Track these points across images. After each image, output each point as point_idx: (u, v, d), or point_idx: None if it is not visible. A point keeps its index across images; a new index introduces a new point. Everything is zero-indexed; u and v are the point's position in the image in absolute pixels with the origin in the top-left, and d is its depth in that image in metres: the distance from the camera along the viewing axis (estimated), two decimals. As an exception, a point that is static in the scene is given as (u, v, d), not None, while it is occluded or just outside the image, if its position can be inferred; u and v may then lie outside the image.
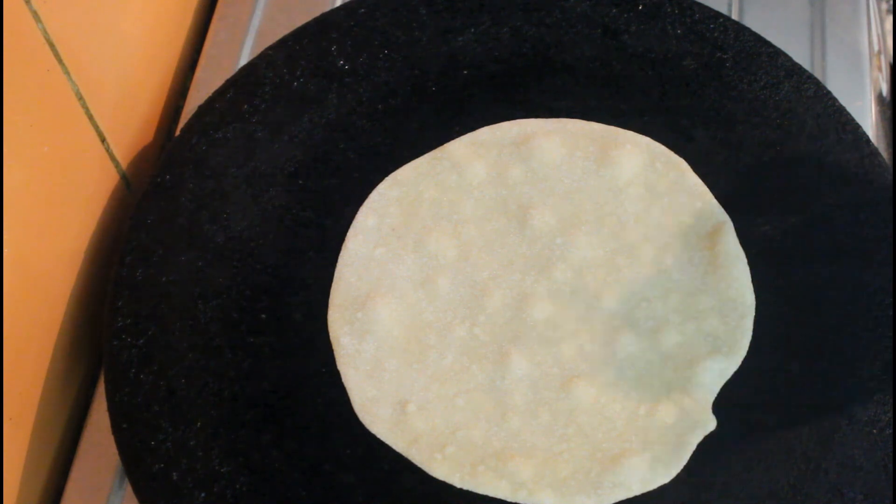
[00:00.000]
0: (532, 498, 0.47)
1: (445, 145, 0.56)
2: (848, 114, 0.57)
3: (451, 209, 0.54)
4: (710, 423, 0.49)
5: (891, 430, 0.49)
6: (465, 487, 0.48)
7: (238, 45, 0.65)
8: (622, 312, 0.51)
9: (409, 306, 0.52)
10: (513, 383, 0.50)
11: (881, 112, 0.61)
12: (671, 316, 0.51)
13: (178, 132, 0.58)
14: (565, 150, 0.56)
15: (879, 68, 0.60)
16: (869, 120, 0.60)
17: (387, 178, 0.55)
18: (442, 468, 0.48)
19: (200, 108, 0.58)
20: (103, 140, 0.57)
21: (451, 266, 0.53)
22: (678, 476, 0.48)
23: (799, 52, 0.61)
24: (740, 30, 0.60)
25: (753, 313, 0.51)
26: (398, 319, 0.52)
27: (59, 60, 0.52)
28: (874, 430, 0.50)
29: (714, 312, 0.51)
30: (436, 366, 0.51)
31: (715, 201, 0.54)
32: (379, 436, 0.49)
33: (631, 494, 0.47)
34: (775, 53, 0.59)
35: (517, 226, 0.54)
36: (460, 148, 0.56)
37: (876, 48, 0.50)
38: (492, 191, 0.55)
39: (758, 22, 0.62)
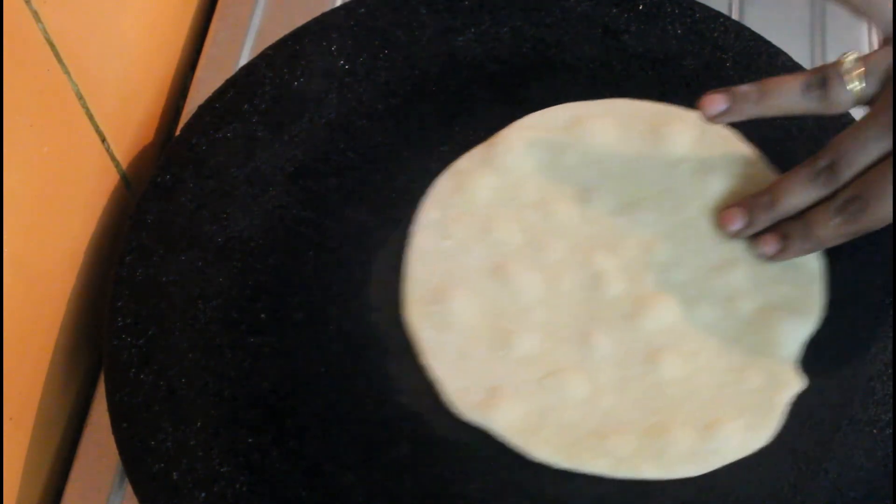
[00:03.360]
0: (634, 472, 0.48)
1: (499, 133, 0.56)
2: (848, 114, 0.57)
3: (512, 195, 0.55)
4: (799, 382, 0.49)
5: (891, 430, 0.50)
6: (565, 468, 0.48)
7: (238, 45, 0.65)
8: (695, 284, 0.52)
9: (483, 295, 0.52)
10: (598, 362, 0.50)
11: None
12: (744, 284, 0.52)
13: (178, 132, 0.58)
14: (617, 131, 0.56)
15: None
16: (869, 120, 0.60)
17: (445, 171, 0.55)
18: (542, 451, 0.48)
19: (200, 108, 0.58)
20: (103, 140, 0.57)
21: (519, 252, 0.53)
22: (678, 476, 0.48)
23: (799, 52, 0.61)
24: (740, 30, 0.60)
25: (822, 278, 0.52)
26: (475, 309, 0.52)
27: (59, 60, 0.52)
28: (874, 430, 0.50)
29: (785, 278, 0.52)
30: (520, 350, 0.51)
31: (769, 168, 0.54)
32: (475, 423, 0.49)
33: (729, 461, 0.48)
34: (775, 53, 0.59)
35: (579, 208, 0.54)
36: (513, 134, 0.56)
37: (876, 48, 0.50)
38: (549, 175, 0.55)
39: (758, 22, 0.62)
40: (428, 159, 0.56)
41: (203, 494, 0.48)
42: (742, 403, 0.49)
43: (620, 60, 0.59)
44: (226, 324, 0.52)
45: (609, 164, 0.55)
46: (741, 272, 0.52)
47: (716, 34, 0.60)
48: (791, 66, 0.59)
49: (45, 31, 0.50)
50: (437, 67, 0.59)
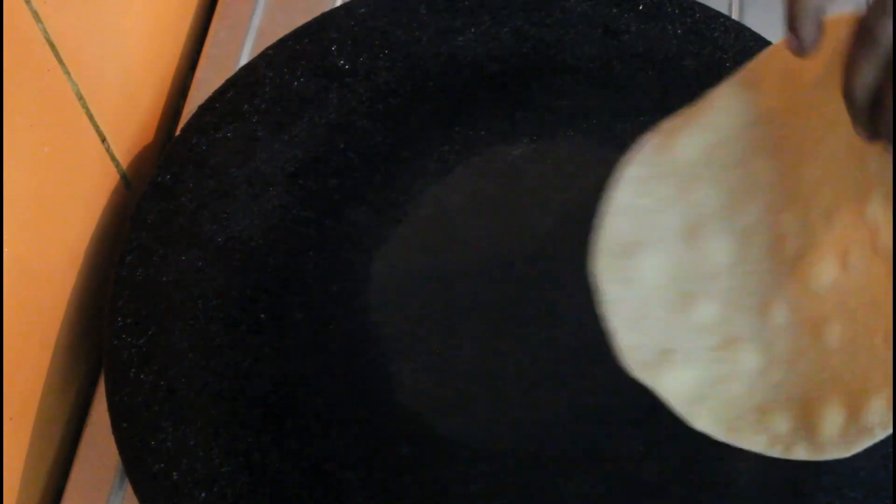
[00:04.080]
0: (787, 453, 0.47)
1: (709, 91, 0.53)
2: (848, 114, 0.57)
3: (716, 155, 0.53)
4: None
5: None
6: (723, 440, 0.48)
7: (238, 45, 0.65)
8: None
9: (673, 256, 0.51)
10: (774, 333, 0.49)
11: (881, 112, 0.61)
12: None
13: (178, 132, 0.58)
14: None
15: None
16: (869, 120, 0.60)
17: (653, 130, 0.54)
18: (702, 421, 0.48)
19: (200, 108, 0.58)
20: (103, 140, 0.57)
21: (714, 214, 0.52)
22: (678, 476, 0.48)
23: (799, 52, 0.61)
24: (740, 30, 0.60)
25: None
26: (663, 268, 0.51)
27: (59, 60, 0.52)
28: (874, 430, 0.49)
29: None
30: (698, 316, 0.50)
31: None
32: (641, 381, 0.49)
33: (877, 439, 0.46)
34: (775, 53, 0.59)
35: (779, 165, 0.52)
36: (723, 92, 0.53)
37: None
38: (755, 134, 0.53)
39: (758, 22, 0.62)
40: (428, 159, 0.57)
41: (203, 494, 0.48)
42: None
43: (620, 60, 0.59)
44: (226, 324, 0.52)
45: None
46: None
47: (716, 34, 0.60)
48: (791, 66, 0.59)
49: (45, 31, 0.50)
50: (437, 67, 0.59)
